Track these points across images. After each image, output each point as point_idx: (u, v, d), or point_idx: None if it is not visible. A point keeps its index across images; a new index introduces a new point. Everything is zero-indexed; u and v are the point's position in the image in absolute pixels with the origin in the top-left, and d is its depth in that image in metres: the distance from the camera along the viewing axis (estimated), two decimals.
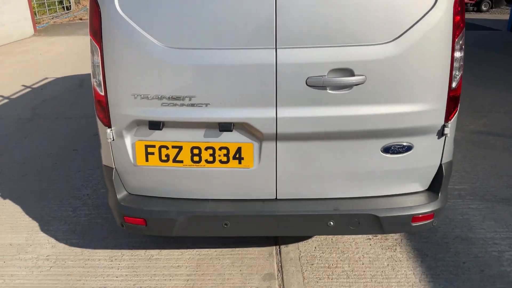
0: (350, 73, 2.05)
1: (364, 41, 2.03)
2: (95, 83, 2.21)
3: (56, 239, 3.05)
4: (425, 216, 2.29)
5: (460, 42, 2.11)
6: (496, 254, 2.79)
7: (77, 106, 6.05)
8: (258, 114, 2.12)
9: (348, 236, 2.99)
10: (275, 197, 2.34)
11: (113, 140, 2.27)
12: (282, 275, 2.65)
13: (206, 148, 2.22)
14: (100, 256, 2.87)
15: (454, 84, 2.15)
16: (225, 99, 2.10)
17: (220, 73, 2.06)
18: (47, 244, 3.00)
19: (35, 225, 3.23)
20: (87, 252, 2.91)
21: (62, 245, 2.98)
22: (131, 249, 2.92)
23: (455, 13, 2.05)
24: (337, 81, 2.06)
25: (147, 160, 2.27)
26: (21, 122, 5.44)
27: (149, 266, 2.76)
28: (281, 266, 2.73)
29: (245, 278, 2.63)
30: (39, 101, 6.35)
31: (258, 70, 2.05)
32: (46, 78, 7.65)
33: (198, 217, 2.28)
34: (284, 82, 2.06)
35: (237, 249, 2.89)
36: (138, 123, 2.21)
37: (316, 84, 2.06)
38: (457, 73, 2.15)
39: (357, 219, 2.26)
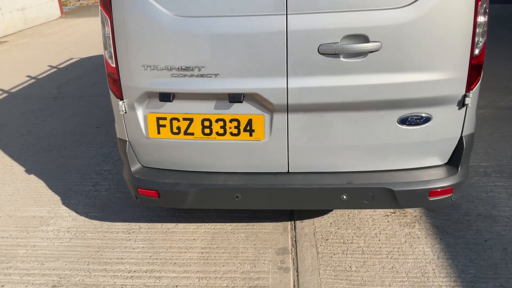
0: (365, 39, 1.96)
1: (379, 5, 1.93)
2: (106, 55, 2.21)
3: (77, 212, 3.13)
4: (443, 191, 2.21)
5: (484, 5, 1.98)
6: None
7: (100, 85, 6.14)
8: (268, 84, 2.07)
9: (365, 212, 2.93)
10: (287, 170, 2.31)
11: (126, 112, 2.27)
12: (296, 249, 2.64)
13: (217, 120, 2.20)
14: (118, 229, 2.92)
15: (476, 51, 2.03)
16: (234, 69, 2.06)
17: (229, 42, 2.01)
18: (68, 217, 3.09)
19: (57, 199, 3.32)
20: (106, 225, 2.97)
21: (82, 218, 3.06)
22: (149, 222, 2.96)
23: None
24: (350, 48, 1.97)
25: (159, 132, 2.27)
26: (47, 101, 5.57)
27: (165, 238, 2.80)
28: (295, 240, 2.71)
29: (259, 252, 2.63)
30: (64, 80, 6.47)
31: (268, 38, 1.99)
32: (72, 59, 7.79)
33: (210, 190, 2.27)
34: (295, 50, 2.00)
35: (251, 223, 2.88)
36: (149, 95, 2.20)
37: (329, 52, 1.98)
38: (480, 40, 2.02)
39: (371, 193, 2.20)
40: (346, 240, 2.68)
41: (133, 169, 2.39)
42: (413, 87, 2.05)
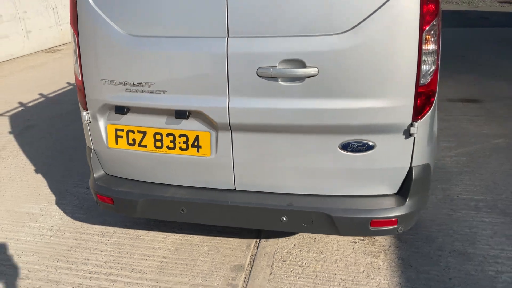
0: (302, 64, 1.97)
1: (316, 31, 1.94)
2: (75, 69, 2.39)
3: (65, 212, 3.35)
4: (387, 221, 2.13)
5: (432, 32, 1.92)
6: (493, 274, 2.49)
7: None
8: (211, 103, 2.13)
9: (333, 237, 2.87)
10: (234, 188, 2.34)
11: (90, 122, 2.43)
12: (252, 267, 2.64)
13: (167, 135, 2.29)
14: (94, 231, 3.09)
15: (423, 80, 1.97)
16: (180, 87, 2.15)
17: (175, 61, 2.11)
18: (56, 216, 3.31)
19: (52, 198, 3.57)
20: (85, 226, 3.15)
21: (67, 218, 3.27)
22: (123, 227, 3.10)
23: (423, 1, 1.87)
24: (287, 73, 1.99)
25: (117, 143, 2.40)
26: (76, 106, 5.99)
27: (133, 245, 2.91)
28: (254, 259, 2.72)
29: (215, 267, 2.66)
30: None
31: (210, 59, 2.06)
32: None
33: (157, 201, 2.36)
34: (235, 72, 2.05)
35: (218, 238, 2.93)
36: (109, 107, 2.34)
37: (266, 75, 2.01)
38: (428, 68, 1.96)
39: (311, 217, 2.17)
40: (304, 264, 2.65)
41: (95, 175, 2.54)
42: (353, 113, 2.02)
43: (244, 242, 2.87)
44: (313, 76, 1.98)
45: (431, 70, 1.98)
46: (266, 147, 2.19)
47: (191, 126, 2.24)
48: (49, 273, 2.68)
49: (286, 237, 2.89)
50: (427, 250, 2.71)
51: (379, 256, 2.68)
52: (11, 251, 2.91)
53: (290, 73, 1.99)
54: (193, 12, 2.03)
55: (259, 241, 2.88)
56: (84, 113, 2.41)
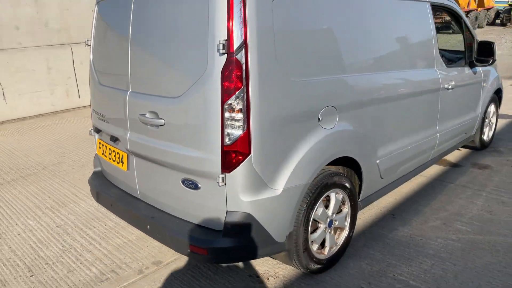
0: (156, 116, 2.78)
1: (165, 94, 2.73)
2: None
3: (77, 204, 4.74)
4: (199, 249, 2.64)
5: (234, 104, 2.43)
6: None
7: None
8: (122, 134, 3.14)
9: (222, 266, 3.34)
10: (138, 197, 3.23)
11: (91, 134, 3.75)
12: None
13: (112, 151, 3.37)
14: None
15: (227, 141, 2.48)
16: (112, 120, 3.23)
17: (110, 102, 3.22)
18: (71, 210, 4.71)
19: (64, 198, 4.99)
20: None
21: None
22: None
23: (223, 79, 2.42)
24: (147, 120, 2.84)
25: (98, 150, 3.63)
26: None
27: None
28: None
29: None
30: None
31: (121, 105, 3.08)
32: None
33: (103, 194, 3.43)
34: (130, 115, 3.01)
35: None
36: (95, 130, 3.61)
37: (141, 120, 2.89)
38: (232, 132, 2.46)
39: (161, 231, 2.87)
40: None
41: (93, 171, 3.83)
42: (184, 158, 2.67)
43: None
44: (162, 125, 2.75)
45: (236, 134, 2.46)
46: (149, 171, 3.03)
47: (120, 147, 3.27)
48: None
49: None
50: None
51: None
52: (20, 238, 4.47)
53: (149, 121, 2.83)
54: (118, 73, 3.11)
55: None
56: (90, 128, 3.75)
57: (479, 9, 29.84)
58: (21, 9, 8.30)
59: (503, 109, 8.26)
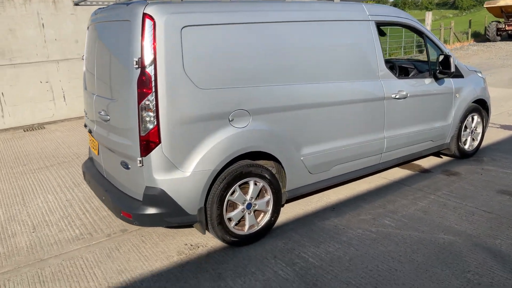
0: (106, 113, 3.72)
1: (109, 97, 3.68)
2: None
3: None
4: (126, 214, 3.51)
5: (147, 105, 3.26)
6: None
7: None
8: (93, 127, 4.12)
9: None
10: (104, 176, 4.19)
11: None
12: None
13: (92, 141, 4.39)
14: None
15: (142, 133, 3.33)
16: (90, 116, 4.25)
17: (88, 102, 4.23)
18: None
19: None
20: None
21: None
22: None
23: (138, 86, 3.26)
24: (100, 116, 3.79)
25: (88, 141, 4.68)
26: None
27: None
28: None
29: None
30: None
31: (92, 104, 4.07)
32: None
33: (86, 174, 4.48)
34: (95, 111, 3.99)
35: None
36: (85, 125, 4.66)
37: (99, 116, 3.85)
38: (146, 125, 3.30)
39: (108, 201, 3.80)
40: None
41: (88, 156, 4.89)
42: (119, 145, 3.59)
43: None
44: (108, 120, 3.68)
45: (148, 127, 3.30)
46: (106, 155, 3.98)
47: (94, 137, 4.27)
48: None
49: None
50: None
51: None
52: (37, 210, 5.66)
53: (102, 117, 3.78)
54: (91, 81, 4.11)
55: None
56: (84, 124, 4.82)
57: None
58: (80, 25, 9.91)
59: (510, 120, 8.14)
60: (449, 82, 5.45)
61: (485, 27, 27.02)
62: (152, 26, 3.20)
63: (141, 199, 3.53)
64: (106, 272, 3.62)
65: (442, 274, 3.41)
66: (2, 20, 9.01)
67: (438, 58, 5.21)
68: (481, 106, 6.07)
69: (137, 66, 3.25)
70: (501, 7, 25.24)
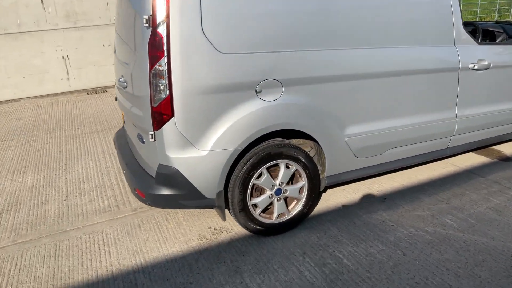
0: (124, 79, 3.35)
1: (126, 61, 3.28)
2: None
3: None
4: (140, 193, 3.18)
5: (158, 72, 2.82)
6: None
7: None
8: (118, 96, 3.80)
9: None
10: (129, 146, 3.90)
11: None
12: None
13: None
14: None
15: (154, 104, 2.92)
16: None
17: (115, 69, 3.91)
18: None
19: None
20: None
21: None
22: None
23: (149, 49, 2.83)
24: (120, 83, 3.42)
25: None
26: None
27: None
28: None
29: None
30: None
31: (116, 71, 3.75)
32: None
33: (117, 143, 4.24)
34: (116, 79, 3.63)
35: None
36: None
37: (119, 84, 3.50)
38: (158, 95, 2.89)
39: (127, 175, 3.49)
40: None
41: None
42: (136, 116, 3.20)
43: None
44: (126, 88, 3.31)
45: (160, 97, 2.88)
46: (129, 126, 3.65)
47: (119, 106, 3.97)
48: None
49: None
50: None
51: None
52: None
53: (121, 84, 3.41)
54: (116, 47, 3.75)
55: None
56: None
57: None
58: None
59: None
60: None
61: None
62: None
63: (155, 177, 3.17)
64: (121, 252, 3.37)
65: None
66: None
67: None
68: None
69: (147, 25, 2.81)
70: None
